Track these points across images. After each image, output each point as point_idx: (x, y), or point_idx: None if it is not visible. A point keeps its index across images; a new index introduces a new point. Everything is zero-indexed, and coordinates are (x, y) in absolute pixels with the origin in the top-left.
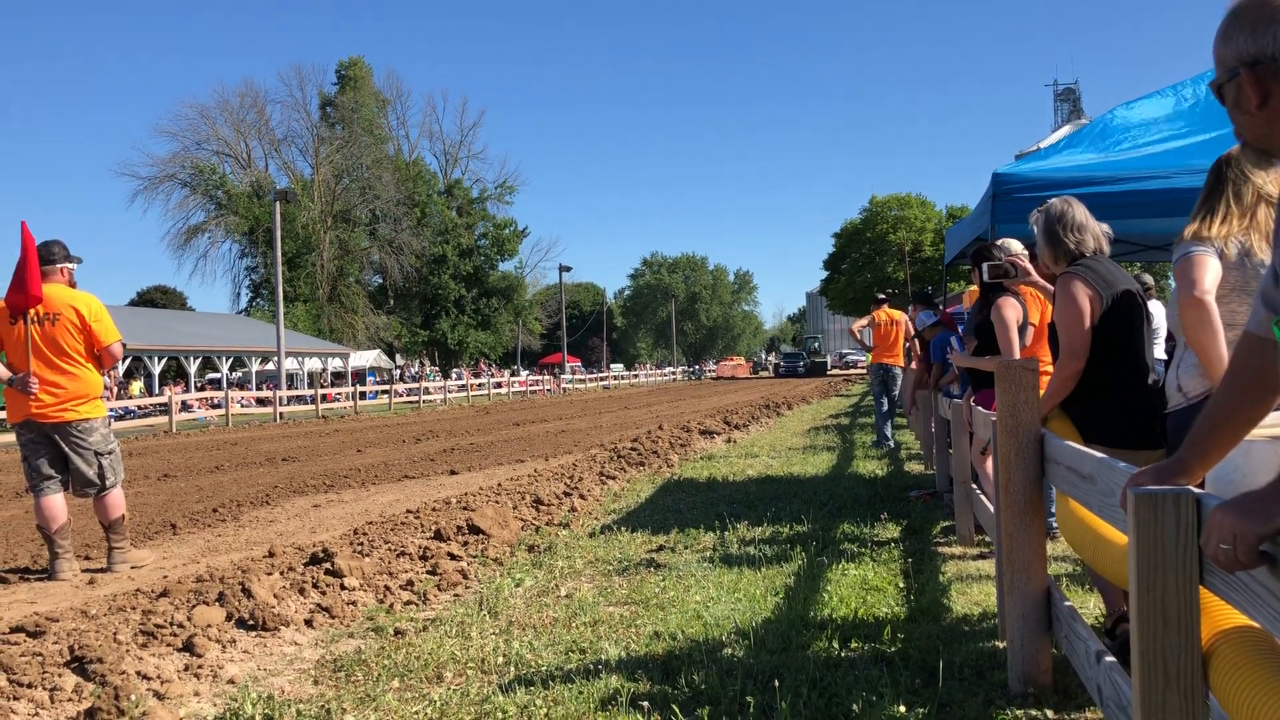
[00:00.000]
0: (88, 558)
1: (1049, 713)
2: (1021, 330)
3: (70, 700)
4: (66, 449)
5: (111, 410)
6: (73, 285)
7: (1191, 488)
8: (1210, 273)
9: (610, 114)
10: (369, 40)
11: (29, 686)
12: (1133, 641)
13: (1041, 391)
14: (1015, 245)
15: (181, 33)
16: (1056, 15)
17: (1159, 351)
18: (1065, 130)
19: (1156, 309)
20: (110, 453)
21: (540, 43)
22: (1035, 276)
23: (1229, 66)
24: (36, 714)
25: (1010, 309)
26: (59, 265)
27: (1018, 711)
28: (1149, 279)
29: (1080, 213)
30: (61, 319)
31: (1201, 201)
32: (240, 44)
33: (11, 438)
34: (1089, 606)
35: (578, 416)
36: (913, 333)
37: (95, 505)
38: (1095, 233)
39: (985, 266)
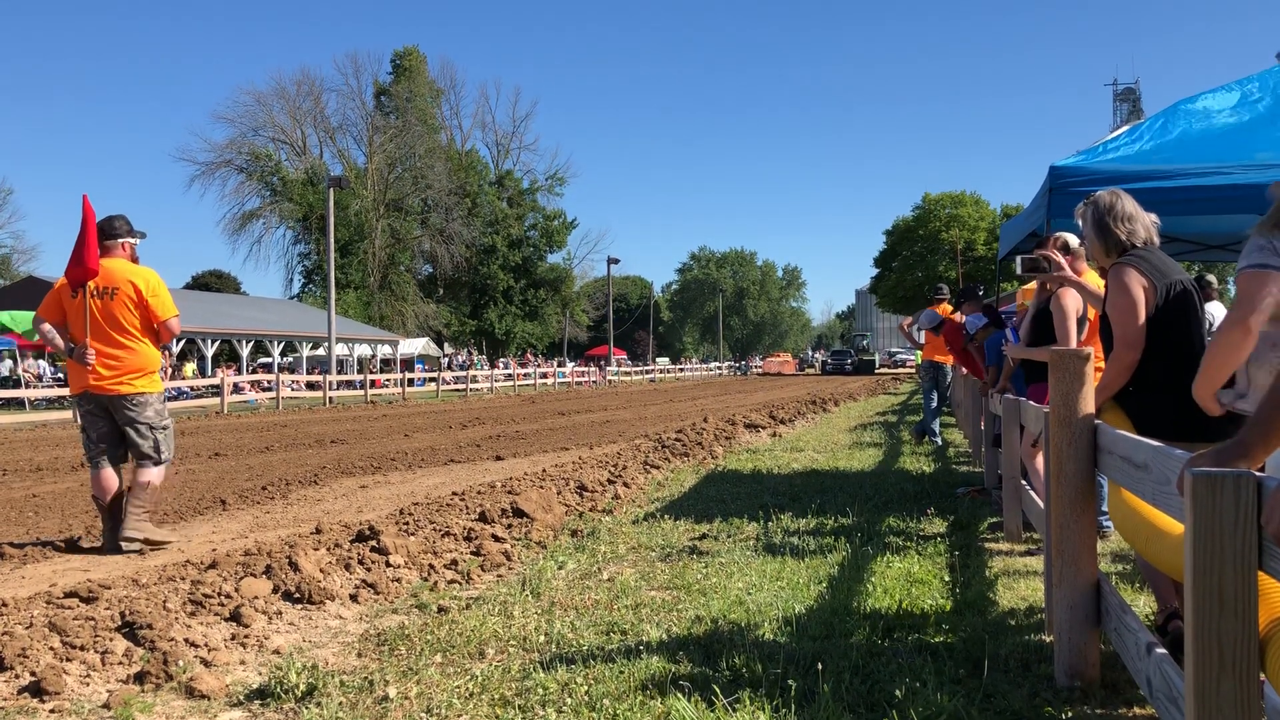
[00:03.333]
0: None
1: (1096, 709)
2: (1079, 323)
3: (121, 663)
4: (121, 422)
5: (165, 390)
6: (134, 260)
7: (1252, 471)
8: (1271, 297)
9: (662, 108)
10: (424, 30)
11: (81, 649)
12: (1187, 626)
13: (1095, 384)
14: (1073, 240)
15: (241, 20)
16: (1117, 14)
17: None
18: (1124, 129)
19: (1217, 310)
20: (164, 428)
21: (594, 36)
22: (1068, 272)
23: None
24: (88, 675)
25: (1071, 298)
26: (121, 240)
27: (1064, 705)
28: (1211, 279)
29: (1129, 203)
30: (120, 293)
31: None
32: (298, 32)
33: (71, 415)
34: (1139, 604)
35: (623, 408)
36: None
37: (134, 469)
38: (1145, 223)
39: (1019, 260)
